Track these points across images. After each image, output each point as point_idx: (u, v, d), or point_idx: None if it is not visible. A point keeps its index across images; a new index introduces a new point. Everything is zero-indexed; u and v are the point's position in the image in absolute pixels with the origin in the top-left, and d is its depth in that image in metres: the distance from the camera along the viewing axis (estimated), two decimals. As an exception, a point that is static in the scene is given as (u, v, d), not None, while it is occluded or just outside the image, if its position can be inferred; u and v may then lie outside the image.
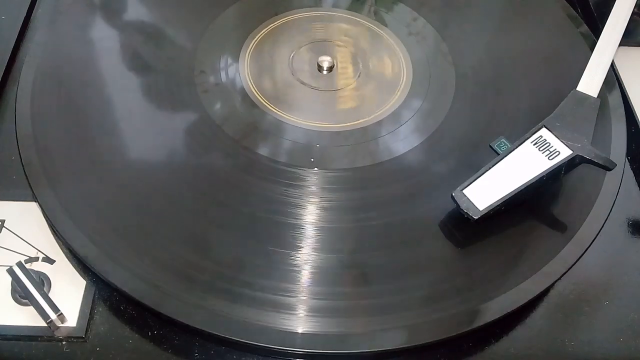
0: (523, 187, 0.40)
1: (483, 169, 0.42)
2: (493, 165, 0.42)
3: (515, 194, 0.40)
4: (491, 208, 0.40)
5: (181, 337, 0.39)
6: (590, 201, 0.43)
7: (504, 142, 0.46)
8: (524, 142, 0.43)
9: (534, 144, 0.42)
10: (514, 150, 0.42)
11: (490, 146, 0.46)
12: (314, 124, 0.48)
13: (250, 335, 0.36)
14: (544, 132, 0.43)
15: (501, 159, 0.42)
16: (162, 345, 0.38)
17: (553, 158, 0.41)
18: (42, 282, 0.39)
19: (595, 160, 0.41)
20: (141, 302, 0.37)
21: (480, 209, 0.40)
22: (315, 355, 0.37)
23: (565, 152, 0.42)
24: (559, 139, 0.42)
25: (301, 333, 0.36)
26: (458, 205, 0.40)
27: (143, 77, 0.50)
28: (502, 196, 0.40)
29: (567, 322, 0.41)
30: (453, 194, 0.41)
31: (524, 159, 0.42)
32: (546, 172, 0.41)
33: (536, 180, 0.41)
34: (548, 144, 0.42)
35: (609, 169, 0.42)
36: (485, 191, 0.41)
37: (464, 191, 0.41)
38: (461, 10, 0.58)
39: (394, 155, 0.46)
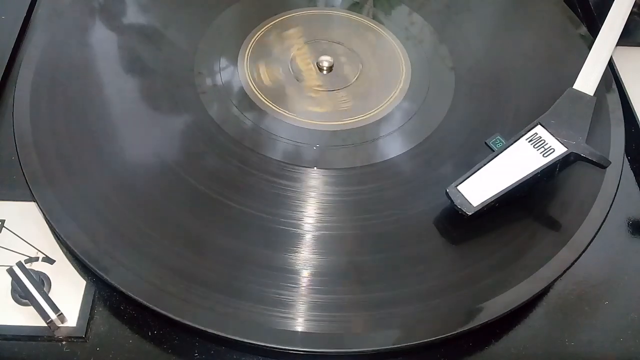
0: (517, 184, 0.40)
1: (477, 166, 0.42)
2: (488, 162, 0.42)
3: (510, 190, 0.40)
4: (485, 204, 0.40)
5: (181, 337, 0.39)
6: (590, 200, 0.43)
7: (499, 139, 0.46)
8: (519, 139, 0.43)
9: (529, 141, 0.42)
10: (508, 147, 0.42)
11: (485, 143, 0.46)
12: (313, 124, 0.48)
13: (250, 335, 0.36)
14: (539, 130, 0.43)
15: (496, 156, 0.42)
16: (162, 345, 0.38)
17: (548, 155, 0.41)
18: (42, 282, 0.39)
19: (590, 158, 0.41)
20: (141, 302, 0.37)
21: (474, 205, 0.40)
22: (315, 355, 0.37)
23: (559, 150, 0.42)
24: (553, 136, 0.42)
25: (301, 333, 0.36)
26: (452, 201, 0.40)
27: (142, 78, 0.50)
28: (496, 193, 0.40)
29: (567, 322, 0.41)
30: (447, 190, 0.41)
31: (519, 156, 0.42)
32: (540, 169, 0.41)
33: (530, 177, 0.41)
34: (543, 141, 0.42)
35: (604, 167, 0.42)
36: (480, 187, 0.41)
37: (458, 187, 0.41)
38: (460, 11, 0.58)
39: (393, 155, 0.46)
